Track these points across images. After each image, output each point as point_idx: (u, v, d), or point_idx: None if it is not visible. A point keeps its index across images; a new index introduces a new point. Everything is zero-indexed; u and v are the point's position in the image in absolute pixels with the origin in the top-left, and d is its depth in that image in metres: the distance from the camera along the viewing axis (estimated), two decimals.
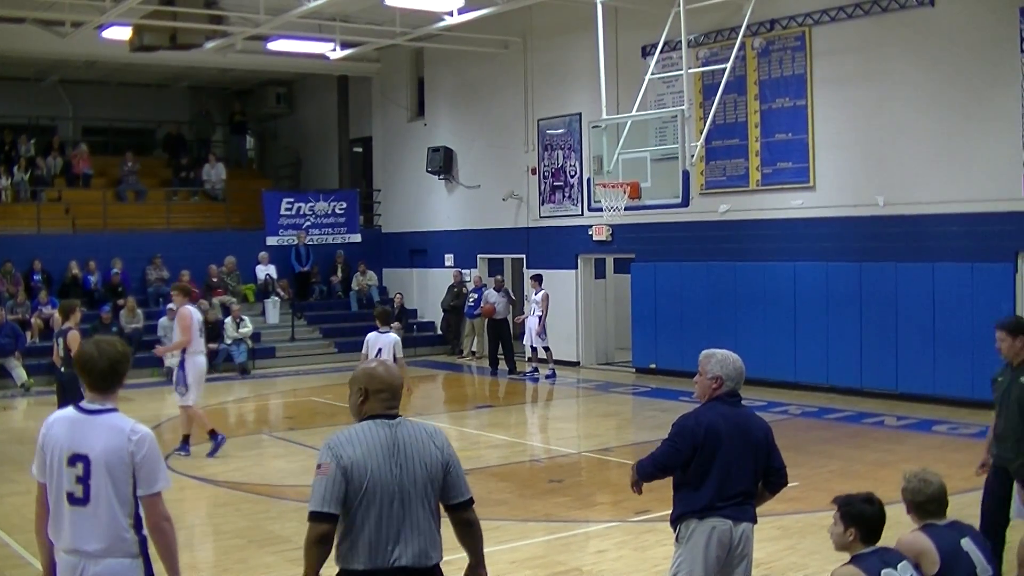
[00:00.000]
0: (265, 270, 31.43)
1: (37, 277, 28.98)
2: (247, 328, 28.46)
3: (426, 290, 32.24)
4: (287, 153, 39.08)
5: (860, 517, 6.22)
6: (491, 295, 27.26)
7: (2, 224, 30.84)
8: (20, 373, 25.67)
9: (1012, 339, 9.20)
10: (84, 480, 5.89)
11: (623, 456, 15.73)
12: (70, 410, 6.10)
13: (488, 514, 12.80)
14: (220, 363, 27.81)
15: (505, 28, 27.73)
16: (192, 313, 17.03)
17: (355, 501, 5.61)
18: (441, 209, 31.91)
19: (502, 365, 26.80)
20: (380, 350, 16.69)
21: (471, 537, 6.13)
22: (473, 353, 29.82)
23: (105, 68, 33.24)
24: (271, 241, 31.90)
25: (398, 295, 31.20)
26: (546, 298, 25.83)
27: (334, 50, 28.55)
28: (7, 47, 29.13)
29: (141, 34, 24.16)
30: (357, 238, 33.02)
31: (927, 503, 6.63)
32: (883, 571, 6.04)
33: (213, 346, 27.64)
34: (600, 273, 28.27)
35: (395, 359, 16.38)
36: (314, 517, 5.58)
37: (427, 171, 31.52)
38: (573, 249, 27.37)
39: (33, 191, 32.65)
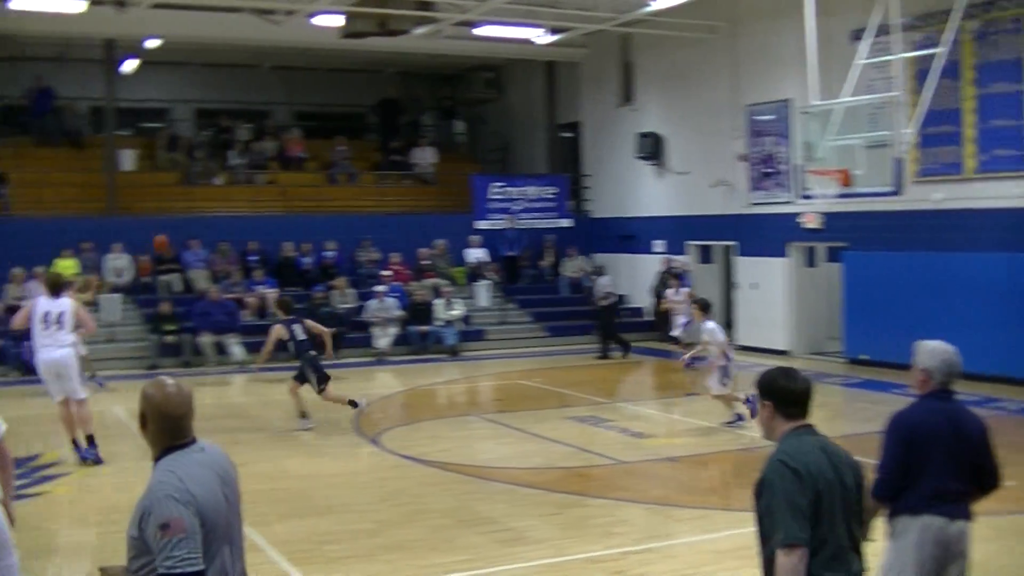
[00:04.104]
0: (475, 253, 31.74)
1: (253, 258, 29.80)
2: (457, 311, 28.80)
3: (635, 276, 32.11)
4: (496, 137, 39.36)
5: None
6: (601, 281, 28.09)
7: (219, 206, 31.97)
8: (236, 350, 26.40)
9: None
10: None
11: None
12: None
13: (696, 502, 12.75)
14: (430, 345, 28.22)
15: (712, 12, 27.46)
16: (33, 303, 16.18)
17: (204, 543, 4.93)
18: (650, 195, 31.78)
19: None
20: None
21: None
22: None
23: (317, 54, 33.90)
24: (480, 225, 32.18)
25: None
26: (688, 295, 25.42)
27: (541, 36, 28.63)
28: (224, 35, 30.02)
29: (352, 21, 24.58)
30: (567, 223, 33.11)
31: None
32: None
33: (424, 328, 28.15)
34: (810, 262, 27.82)
35: None
36: None
37: (636, 157, 31.41)
38: (783, 237, 26.97)
39: (249, 174, 33.65)
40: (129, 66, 33.35)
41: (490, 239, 32.23)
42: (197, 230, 29.98)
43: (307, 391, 18.42)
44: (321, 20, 26.80)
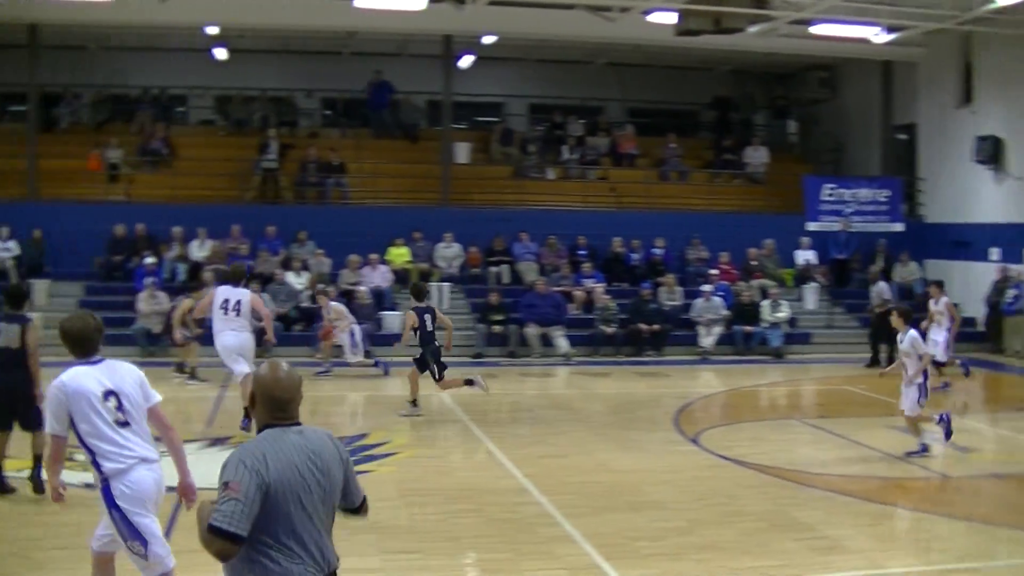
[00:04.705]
0: (804, 255, 31.29)
1: (582, 252, 30.18)
2: (783, 313, 28.45)
3: (967, 285, 30.96)
4: (829, 138, 38.62)
5: None
6: (877, 288, 27.42)
7: (550, 200, 32.49)
8: (562, 343, 26.76)
9: None
10: (121, 408, 7.59)
11: None
12: (81, 367, 7.64)
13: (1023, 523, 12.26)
14: (755, 346, 27.95)
15: None
16: (213, 291, 17.38)
17: (276, 516, 5.30)
18: (987, 200, 30.60)
19: None
20: None
21: None
22: (1017, 352, 28.33)
23: (650, 51, 33.87)
24: (811, 226, 31.65)
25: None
26: (950, 307, 23.22)
27: (878, 34, 27.96)
28: (559, 32, 30.56)
29: (686, 18, 24.57)
30: (899, 227, 32.19)
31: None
32: None
33: (749, 329, 27.91)
34: None
35: None
36: (225, 536, 5.17)
37: (974, 160, 30.33)
38: None
39: (580, 169, 34.08)
40: (465, 61, 34.18)
41: (820, 241, 31.68)
42: (527, 223, 30.62)
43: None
44: (656, 17, 26.90)
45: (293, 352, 24.26)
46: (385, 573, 9.93)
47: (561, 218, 31.30)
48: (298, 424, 5.52)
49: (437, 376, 18.59)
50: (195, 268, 27.50)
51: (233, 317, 16.59)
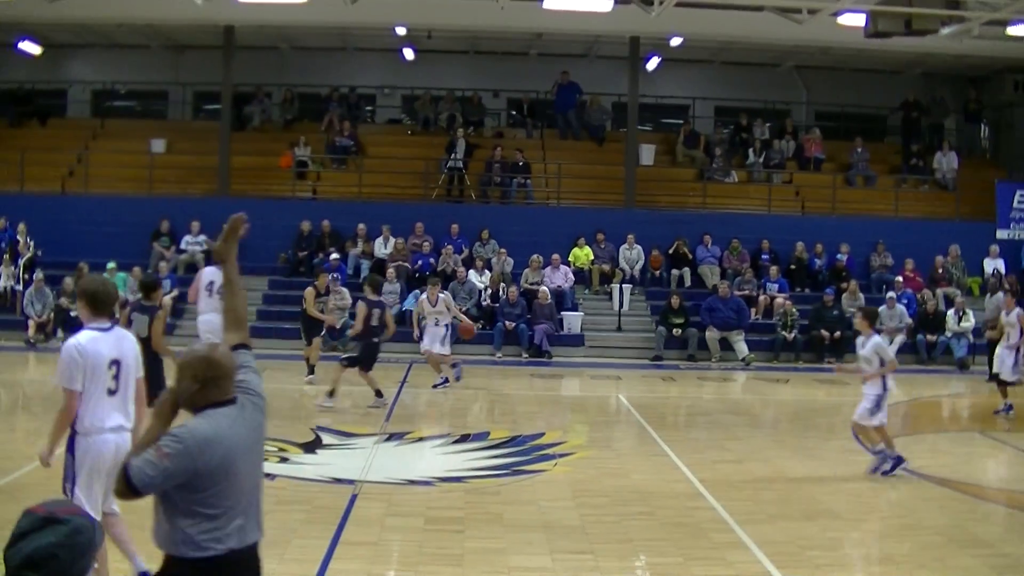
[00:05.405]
0: (993, 263, 30.58)
1: (766, 256, 29.94)
2: (968, 322, 27.84)
3: None
4: (1023, 143, 37.67)
5: None
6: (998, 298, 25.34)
7: (735, 203, 32.36)
8: (742, 347, 26.62)
9: None
10: (117, 377, 8.22)
11: None
12: (95, 333, 8.17)
13: None
14: (938, 356, 27.43)
15: None
16: (199, 274, 18.28)
17: (218, 487, 5.37)
18: None
19: None
20: None
21: None
22: None
23: (839, 54, 33.50)
24: (1001, 235, 30.97)
25: None
26: (1021, 318, 20.67)
27: None
28: (746, 34, 30.43)
29: (876, 20, 24.21)
30: None
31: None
32: None
33: (933, 338, 27.37)
34: None
35: None
36: (132, 488, 5.24)
37: None
38: None
39: (766, 173, 33.77)
40: (652, 63, 34.14)
41: (1010, 249, 30.92)
42: (711, 226, 30.49)
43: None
44: (845, 19, 26.55)
45: (473, 350, 24.50)
46: (554, 573, 9.98)
47: (745, 222, 31.13)
48: (235, 399, 5.59)
49: (347, 362, 18.92)
50: (379, 265, 27.98)
51: (218, 299, 16.99)
